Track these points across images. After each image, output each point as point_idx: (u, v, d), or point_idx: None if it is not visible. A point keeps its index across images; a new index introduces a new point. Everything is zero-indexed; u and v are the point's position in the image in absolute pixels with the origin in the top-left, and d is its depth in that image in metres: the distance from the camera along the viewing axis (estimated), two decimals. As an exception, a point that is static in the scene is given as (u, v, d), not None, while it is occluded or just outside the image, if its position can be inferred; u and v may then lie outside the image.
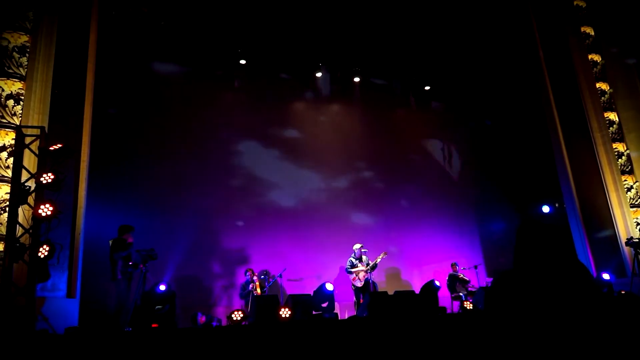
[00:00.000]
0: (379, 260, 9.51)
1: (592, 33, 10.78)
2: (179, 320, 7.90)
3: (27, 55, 6.98)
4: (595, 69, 10.49)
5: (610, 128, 10.09)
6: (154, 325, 6.48)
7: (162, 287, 7.32)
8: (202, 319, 8.31)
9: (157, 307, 6.72)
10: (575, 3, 10.86)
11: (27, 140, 6.08)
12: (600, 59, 10.60)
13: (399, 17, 10.82)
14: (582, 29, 10.75)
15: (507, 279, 1.93)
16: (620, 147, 10.02)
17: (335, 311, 8.63)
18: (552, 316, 1.74)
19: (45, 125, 6.72)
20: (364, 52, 11.78)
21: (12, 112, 6.66)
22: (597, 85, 10.35)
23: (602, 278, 8.67)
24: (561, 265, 1.88)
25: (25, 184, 5.85)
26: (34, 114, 6.89)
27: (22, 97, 6.81)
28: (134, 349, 4.34)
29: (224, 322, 8.60)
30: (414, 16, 10.83)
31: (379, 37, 11.34)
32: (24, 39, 6.99)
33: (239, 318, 6.77)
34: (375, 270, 9.54)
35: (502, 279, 1.95)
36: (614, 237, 9.52)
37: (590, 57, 10.55)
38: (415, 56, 12.13)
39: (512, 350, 1.78)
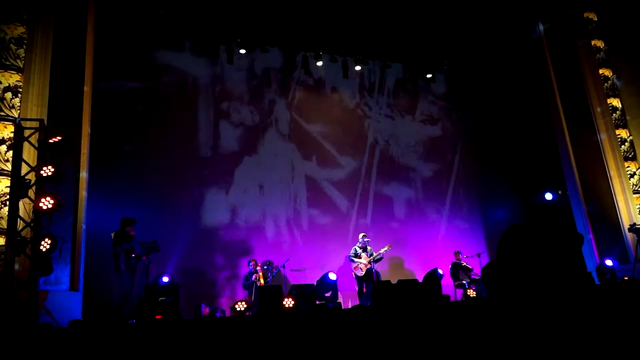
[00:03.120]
0: (382, 252, 9.51)
1: (595, 19, 10.68)
2: (183, 312, 7.91)
3: (24, 47, 6.91)
4: (598, 55, 10.41)
5: (614, 114, 10.03)
6: (157, 317, 6.48)
7: (165, 279, 7.31)
8: (205, 310, 8.32)
9: (160, 298, 6.72)
10: (577, -12, 10.75)
11: (26, 133, 6.04)
12: (603, 45, 10.51)
13: (401, 6, 10.69)
14: (585, 14, 10.66)
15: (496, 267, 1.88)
16: (623, 133, 9.98)
17: (338, 300, 8.65)
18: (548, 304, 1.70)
19: (44, 117, 6.67)
20: (366, 40, 11.67)
21: (10, 104, 6.61)
22: (600, 71, 10.28)
23: (605, 264, 8.67)
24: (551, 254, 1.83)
25: (26, 177, 5.82)
26: (32, 107, 6.84)
27: (20, 90, 6.74)
28: (138, 341, 4.33)
29: (228, 313, 8.62)
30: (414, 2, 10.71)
31: (384, 27, 11.22)
32: (20, 30, 6.90)
33: (242, 309, 6.79)
34: (379, 260, 9.59)
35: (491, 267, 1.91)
36: (617, 223, 9.51)
37: (593, 43, 10.47)
38: (417, 43, 12.00)
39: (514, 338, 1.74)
